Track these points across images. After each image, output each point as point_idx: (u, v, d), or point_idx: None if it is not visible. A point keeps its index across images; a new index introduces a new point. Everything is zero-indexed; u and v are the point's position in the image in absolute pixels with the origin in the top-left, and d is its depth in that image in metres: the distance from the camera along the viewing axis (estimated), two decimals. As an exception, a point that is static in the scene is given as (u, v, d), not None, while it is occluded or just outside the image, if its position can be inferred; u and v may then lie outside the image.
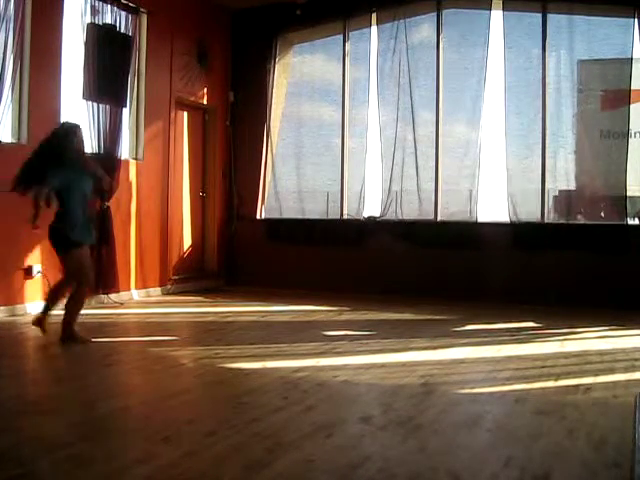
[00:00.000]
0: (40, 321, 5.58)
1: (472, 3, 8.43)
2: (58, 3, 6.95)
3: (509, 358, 5.11)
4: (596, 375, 4.57)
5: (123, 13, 7.55)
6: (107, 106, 7.34)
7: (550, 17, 8.01)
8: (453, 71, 8.53)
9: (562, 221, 8.22)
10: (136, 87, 7.93)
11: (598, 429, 3.42)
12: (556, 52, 8.11)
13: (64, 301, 5.54)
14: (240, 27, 9.38)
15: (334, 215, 9.06)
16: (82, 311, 5.54)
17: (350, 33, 9.00)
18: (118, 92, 7.45)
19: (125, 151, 7.86)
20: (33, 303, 6.69)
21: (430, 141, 8.54)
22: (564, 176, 8.23)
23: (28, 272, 6.66)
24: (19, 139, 6.59)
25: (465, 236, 8.18)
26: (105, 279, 7.36)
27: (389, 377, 4.54)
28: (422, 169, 8.54)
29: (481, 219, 8.26)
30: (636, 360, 5.07)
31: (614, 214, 7.91)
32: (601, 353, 5.34)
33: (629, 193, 7.71)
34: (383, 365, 4.83)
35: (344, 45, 8.98)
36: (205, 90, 9.09)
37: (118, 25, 7.46)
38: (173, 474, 2.81)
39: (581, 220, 8.28)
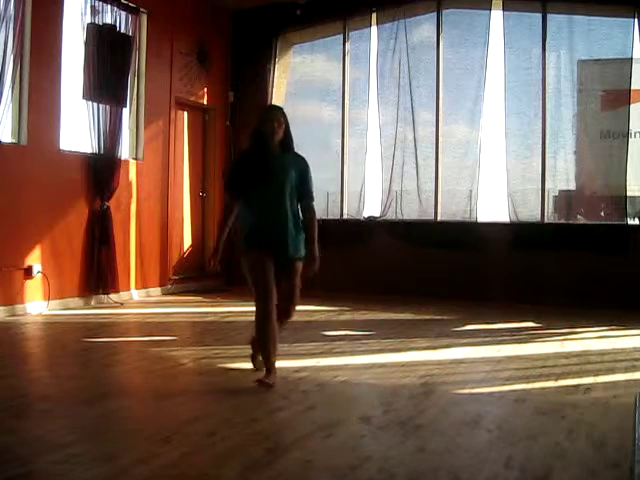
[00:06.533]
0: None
1: (472, 3, 8.43)
2: (58, 3, 6.94)
3: (509, 358, 5.11)
4: (596, 375, 4.57)
5: (123, 13, 7.55)
6: (107, 106, 7.34)
7: (550, 17, 8.01)
8: (453, 71, 8.53)
9: (562, 221, 8.23)
10: (136, 87, 7.93)
11: (598, 429, 3.42)
12: (556, 52, 8.11)
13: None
14: (240, 27, 9.38)
15: (334, 215, 9.06)
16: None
17: (350, 33, 9.00)
18: (118, 92, 7.45)
19: (125, 151, 7.86)
20: (33, 303, 6.70)
21: (430, 141, 8.54)
22: (564, 176, 8.24)
23: (28, 272, 6.65)
24: (19, 139, 6.59)
25: (465, 236, 8.18)
26: (105, 279, 7.36)
27: (389, 377, 4.54)
28: (422, 169, 8.54)
29: (481, 219, 8.26)
30: (636, 360, 5.07)
31: (614, 214, 7.91)
32: (601, 353, 5.34)
33: (629, 193, 7.71)
34: (383, 365, 4.83)
35: (344, 45, 8.98)
36: (205, 90, 9.09)
37: (118, 25, 7.46)
38: (173, 474, 2.81)
39: (581, 220, 8.28)
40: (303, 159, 4.31)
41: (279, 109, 4.39)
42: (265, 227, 4.16)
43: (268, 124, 4.16)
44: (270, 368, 4.17)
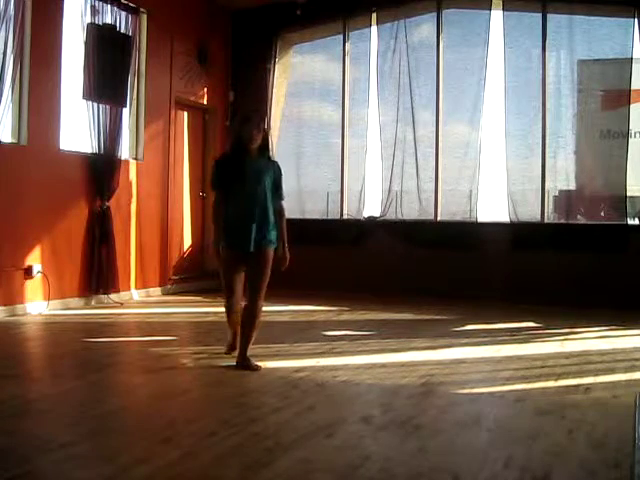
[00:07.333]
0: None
1: (472, 3, 8.43)
2: (58, 3, 6.94)
3: (509, 358, 5.11)
4: (596, 375, 4.58)
5: (123, 13, 7.54)
6: (107, 106, 7.34)
7: (550, 17, 8.01)
8: (453, 71, 8.54)
9: (562, 221, 8.23)
10: (136, 87, 7.92)
11: (598, 429, 3.42)
12: (556, 52, 8.12)
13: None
14: (240, 27, 9.38)
15: (334, 215, 9.06)
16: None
17: (350, 33, 9.00)
18: (118, 92, 7.44)
19: (125, 151, 7.86)
20: (33, 303, 6.70)
21: (430, 141, 8.55)
22: (564, 176, 8.25)
23: (28, 272, 6.65)
24: (19, 139, 6.59)
25: (465, 236, 8.18)
26: (105, 279, 7.36)
27: (389, 377, 4.54)
28: (422, 169, 8.54)
29: (481, 219, 8.26)
30: (636, 360, 5.07)
31: (614, 214, 7.91)
32: (601, 353, 5.34)
33: (629, 193, 7.72)
34: (383, 365, 4.82)
35: (344, 45, 8.98)
36: (205, 90, 9.09)
37: (118, 25, 7.45)
38: (173, 474, 2.81)
39: (581, 220, 8.28)
40: (277, 164, 4.75)
41: (259, 116, 4.77)
42: (239, 225, 4.49)
43: (247, 131, 4.48)
44: (234, 343, 4.81)
